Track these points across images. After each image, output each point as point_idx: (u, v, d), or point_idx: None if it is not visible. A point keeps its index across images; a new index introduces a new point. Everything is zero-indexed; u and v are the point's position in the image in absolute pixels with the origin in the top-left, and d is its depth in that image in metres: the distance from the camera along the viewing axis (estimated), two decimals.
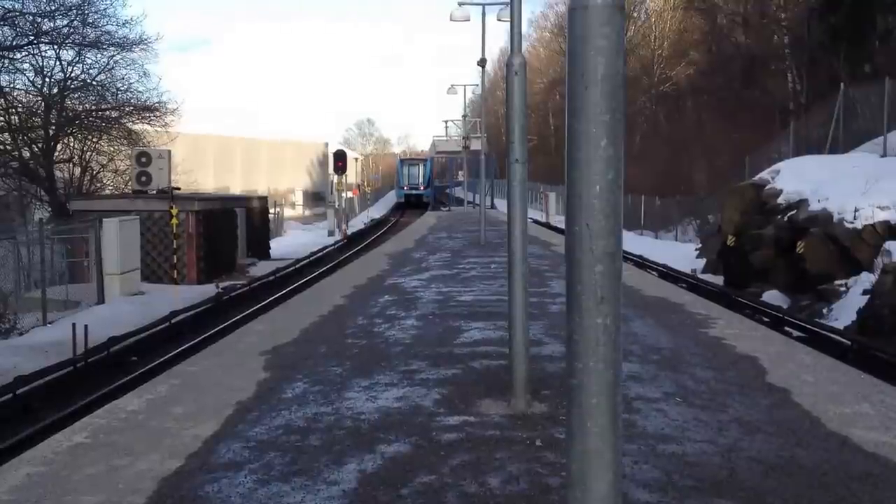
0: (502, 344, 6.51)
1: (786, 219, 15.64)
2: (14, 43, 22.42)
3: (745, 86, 33.50)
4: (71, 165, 24.01)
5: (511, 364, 5.06)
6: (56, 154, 23.39)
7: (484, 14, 26.32)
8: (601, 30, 1.81)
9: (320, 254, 25.84)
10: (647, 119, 47.15)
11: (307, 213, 55.39)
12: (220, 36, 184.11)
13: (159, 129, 25.52)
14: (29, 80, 23.52)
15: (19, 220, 21.52)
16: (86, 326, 10.76)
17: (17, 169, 22.64)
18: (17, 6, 22.25)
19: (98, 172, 24.96)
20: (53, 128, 23.14)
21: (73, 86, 24.15)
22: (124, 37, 24.31)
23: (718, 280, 17.63)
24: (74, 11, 23.06)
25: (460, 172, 51.13)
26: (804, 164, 17.49)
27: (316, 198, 59.61)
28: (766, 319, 11.63)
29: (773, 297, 14.51)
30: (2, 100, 22.42)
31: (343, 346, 7.04)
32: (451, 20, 26.55)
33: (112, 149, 24.81)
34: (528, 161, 5.32)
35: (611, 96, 1.82)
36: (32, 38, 22.66)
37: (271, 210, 32.42)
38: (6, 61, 22.49)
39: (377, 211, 53.16)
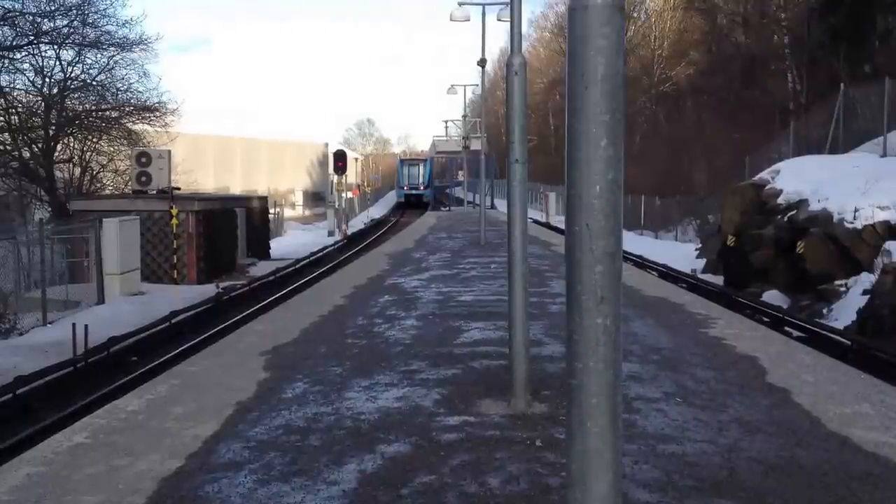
0: (502, 344, 6.51)
1: (786, 219, 15.64)
2: (14, 43, 22.42)
3: (745, 86, 33.51)
4: (71, 165, 24.01)
5: (511, 364, 5.06)
6: (56, 154, 23.39)
7: (484, 14, 26.35)
8: (601, 30, 1.81)
9: (320, 254, 25.84)
10: (647, 119, 47.17)
11: (307, 213, 55.41)
12: (220, 36, 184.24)
13: (159, 129, 25.52)
14: (29, 80, 23.56)
15: (19, 220, 21.53)
16: (86, 326, 10.76)
17: (17, 169, 22.63)
18: (17, 6, 22.29)
19: (98, 172, 24.96)
20: (53, 128, 23.14)
21: (73, 86, 24.16)
22: (124, 37, 24.35)
23: (718, 280, 17.63)
24: (74, 11, 23.08)
25: (460, 172, 51.17)
26: (804, 164, 17.49)
27: (316, 198, 59.64)
28: (766, 319, 11.63)
29: (773, 297, 14.51)
30: (2, 100, 22.42)
31: (343, 346, 7.04)
32: (451, 20, 26.56)
33: (112, 149, 24.81)
34: (528, 161, 5.32)
35: (611, 96, 1.82)
36: (32, 38, 22.66)
37: (271, 210, 32.42)
38: (6, 61, 22.50)
39: (377, 211, 53.17)
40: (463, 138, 43.67)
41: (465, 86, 43.73)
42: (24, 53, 22.87)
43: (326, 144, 66.68)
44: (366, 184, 72.45)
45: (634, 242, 26.35)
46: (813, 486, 3.71)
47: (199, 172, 36.27)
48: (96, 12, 23.59)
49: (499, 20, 25.03)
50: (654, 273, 16.96)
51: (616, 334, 1.86)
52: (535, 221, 30.72)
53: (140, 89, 25.79)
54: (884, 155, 16.27)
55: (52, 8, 22.65)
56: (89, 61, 24.27)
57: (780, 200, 16.40)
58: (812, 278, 13.74)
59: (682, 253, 23.63)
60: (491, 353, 6.58)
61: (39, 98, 23.57)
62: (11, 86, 23.06)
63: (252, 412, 4.98)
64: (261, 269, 22.21)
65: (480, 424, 4.67)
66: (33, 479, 3.93)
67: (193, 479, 3.87)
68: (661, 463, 4.00)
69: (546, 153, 59.27)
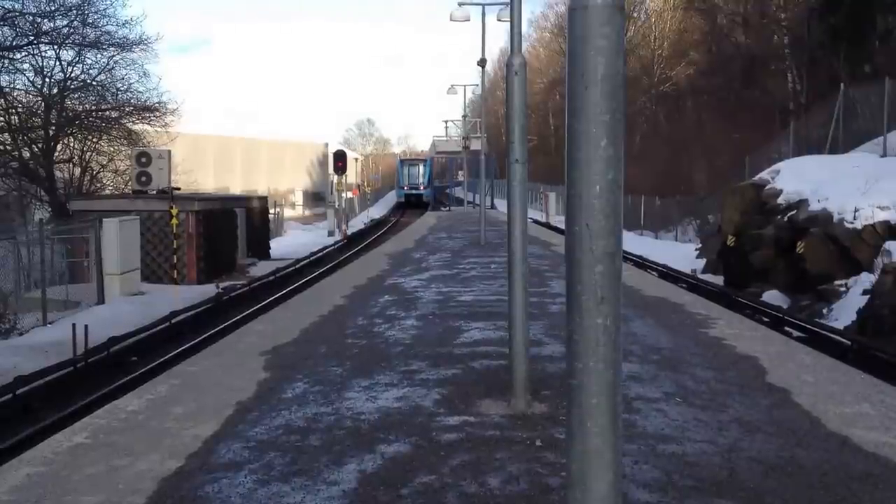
0: (502, 344, 6.51)
1: (786, 219, 15.64)
2: (14, 43, 22.41)
3: (745, 86, 33.51)
4: (71, 165, 24.01)
5: (511, 364, 5.06)
6: (56, 154, 23.38)
7: (484, 14, 26.35)
8: (601, 30, 1.81)
9: (320, 254, 25.84)
10: (647, 119, 47.17)
11: (307, 213, 55.41)
12: (220, 36, 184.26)
13: (159, 129, 25.51)
14: (29, 80, 23.54)
15: (19, 221, 21.52)
16: (86, 326, 10.76)
17: (17, 169, 22.63)
18: (17, 6, 22.27)
19: (98, 172, 24.96)
20: (53, 128, 23.13)
21: (73, 86, 24.15)
22: (124, 37, 24.34)
23: (718, 280, 17.63)
24: (74, 12, 23.07)
25: (460, 172, 51.19)
26: (804, 164, 17.49)
27: (316, 198, 59.66)
28: (766, 319, 11.63)
29: (773, 297, 14.51)
30: (2, 100, 22.41)
31: (343, 346, 7.04)
32: (451, 20, 26.58)
33: (112, 149, 24.81)
34: (528, 161, 5.32)
35: (611, 96, 1.82)
36: (32, 38, 22.65)
37: (271, 210, 32.42)
38: (6, 61, 22.49)
39: (377, 211, 53.17)
40: (463, 138, 43.68)
41: (465, 86, 43.82)
42: (24, 53, 22.88)
43: (326, 144, 66.70)
44: (366, 184, 72.46)
45: (634, 242, 26.35)
46: (813, 486, 3.71)
47: (199, 172, 36.27)
48: (96, 12, 23.62)
49: (499, 20, 25.04)
50: (654, 273, 16.96)
51: (616, 334, 1.86)
52: (535, 221, 30.73)
53: (140, 89, 25.83)
54: (884, 155, 16.27)
55: (52, 8, 22.67)
56: (89, 61, 24.31)
57: (780, 200, 16.40)
58: (812, 278, 13.75)
59: (682, 253, 23.63)
60: (491, 353, 6.58)
61: (39, 98, 23.57)
62: (11, 86, 23.09)
63: (252, 412, 4.98)
64: (261, 269, 22.20)
65: (480, 424, 4.67)
66: (33, 479, 3.93)
67: (193, 480, 3.87)
68: (661, 463, 4.00)
69: (546, 153, 59.27)
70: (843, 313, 11.99)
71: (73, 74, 24.04)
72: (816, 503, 3.54)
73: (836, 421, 4.67)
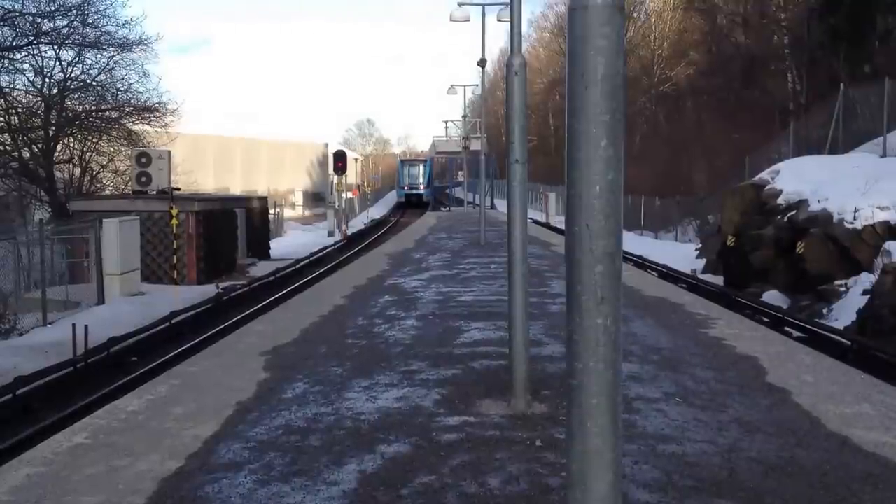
0: (502, 344, 6.51)
1: (786, 219, 15.64)
2: (14, 43, 22.40)
3: (745, 86, 33.52)
4: (71, 166, 24.00)
5: (511, 364, 5.06)
6: (56, 154, 23.37)
7: (484, 14, 26.35)
8: (601, 30, 1.81)
9: (320, 254, 25.84)
10: (647, 119, 47.17)
11: (307, 213, 55.44)
12: (220, 36, 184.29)
13: (159, 129, 25.52)
14: (29, 80, 23.54)
15: (19, 221, 21.52)
16: (86, 327, 10.76)
17: (17, 169, 22.62)
18: (17, 6, 22.26)
19: (98, 173, 24.96)
20: (53, 128, 23.12)
21: (72, 86, 24.15)
22: (124, 37, 24.32)
23: (718, 280, 17.62)
24: (74, 12, 23.06)
25: (460, 173, 51.20)
26: (804, 165, 17.49)
27: (316, 198, 59.67)
28: (765, 320, 11.63)
29: (773, 297, 14.51)
30: (2, 100, 22.41)
31: (343, 346, 7.04)
32: (451, 20, 26.58)
33: (112, 149, 24.81)
34: (528, 161, 5.32)
35: (611, 96, 1.82)
36: (32, 38, 22.65)
37: (271, 210, 32.43)
38: (6, 61, 22.49)
39: (377, 211, 53.18)
40: (463, 138, 43.69)
41: (465, 86, 43.85)
42: (24, 54, 22.87)
43: (326, 145, 66.72)
44: (366, 184, 72.46)
45: (634, 243, 26.35)
46: (813, 486, 3.71)
47: (199, 173, 36.30)
48: (96, 13, 23.60)
49: (499, 20, 25.04)
50: (654, 273, 16.97)
51: (616, 334, 1.86)
52: (535, 222, 30.72)
53: (140, 90, 25.83)
54: (884, 155, 16.27)
55: (52, 8, 22.66)
56: (89, 62, 24.30)
57: (780, 201, 16.40)
58: (812, 278, 13.74)
59: (682, 253, 23.63)
60: (491, 353, 6.58)
61: (39, 98, 23.56)
62: (11, 86, 23.08)
63: (252, 412, 4.98)
64: (261, 269, 22.20)
65: (480, 425, 4.67)
66: (33, 479, 3.93)
67: (193, 480, 3.87)
68: (661, 463, 4.00)
69: (546, 153, 59.29)
70: (843, 313, 11.99)
71: (73, 74, 24.07)
72: (816, 503, 3.54)
73: (836, 421, 4.67)
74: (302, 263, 22.67)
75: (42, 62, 23.43)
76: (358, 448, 4.29)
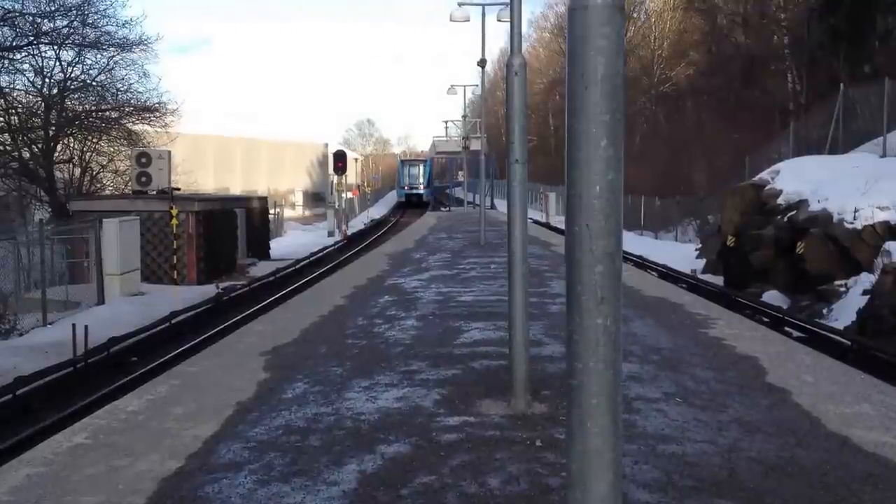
0: (502, 344, 6.51)
1: (786, 219, 15.64)
2: (14, 43, 22.40)
3: (745, 86, 33.52)
4: (71, 166, 24.00)
5: (511, 364, 5.06)
6: (56, 154, 23.37)
7: (484, 14, 26.35)
8: (601, 30, 1.81)
9: (320, 254, 25.84)
10: (647, 119, 47.17)
11: (307, 213, 55.45)
12: (220, 36, 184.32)
13: (159, 129, 25.52)
14: (29, 80, 23.53)
15: (19, 221, 21.52)
16: (86, 327, 10.76)
17: (17, 169, 22.62)
18: (17, 7, 22.26)
19: (98, 173, 24.96)
20: (53, 128, 23.12)
21: (72, 86, 24.14)
22: (124, 37, 24.32)
23: (718, 280, 17.62)
24: (74, 12, 23.05)
25: (460, 173, 51.21)
26: (804, 165, 17.49)
27: (316, 198, 59.69)
28: (765, 320, 11.62)
29: (773, 297, 14.51)
30: (2, 100, 22.40)
31: (343, 346, 7.04)
32: (451, 20, 26.58)
33: (112, 149, 24.81)
34: (528, 161, 5.32)
35: (611, 96, 1.82)
36: (32, 38, 22.64)
37: (271, 210, 32.43)
38: (6, 62, 22.48)
39: (377, 211, 53.19)
40: (463, 138, 43.68)
41: (465, 86, 43.83)
42: (23, 54, 22.87)
43: (326, 145, 66.73)
44: (366, 184, 72.49)
45: (634, 243, 26.35)
46: (813, 486, 3.71)
47: (199, 173, 36.30)
48: (96, 13, 23.60)
49: (499, 20, 25.02)
50: (654, 273, 16.97)
51: (616, 334, 1.86)
52: (535, 222, 30.72)
53: (140, 90, 25.82)
54: (884, 155, 16.27)
55: (52, 8, 22.66)
56: (89, 62, 24.29)
57: (780, 201, 16.40)
58: (812, 278, 13.74)
59: (682, 253, 23.63)
60: (491, 353, 6.58)
61: (39, 98, 23.56)
62: (11, 86, 23.08)
63: (252, 412, 4.98)
64: (261, 269, 22.20)
65: (480, 425, 4.67)
66: (33, 479, 3.93)
67: (193, 480, 3.87)
68: (661, 463, 4.00)
69: (546, 153, 59.29)
70: (843, 313, 11.99)
71: (72, 75, 24.06)
72: (816, 503, 3.54)
73: (836, 421, 4.67)
74: (302, 263, 22.67)
75: (42, 62, 23.46)
76: (358, 448, 4.29)
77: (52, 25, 22.86)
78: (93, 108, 24.78)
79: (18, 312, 13.54)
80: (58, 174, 23.47)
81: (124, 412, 5.09)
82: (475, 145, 38.79)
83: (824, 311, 12.70)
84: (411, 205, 54.86)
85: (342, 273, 14.94)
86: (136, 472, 3.98)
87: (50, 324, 13.35)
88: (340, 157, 35.50)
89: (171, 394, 5.52)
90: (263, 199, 29.14)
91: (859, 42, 24.60)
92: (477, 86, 41.15)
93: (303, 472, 3.94)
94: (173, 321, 12.97)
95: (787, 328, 11.14)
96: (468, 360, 6.36)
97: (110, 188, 25.31)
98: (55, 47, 23.20)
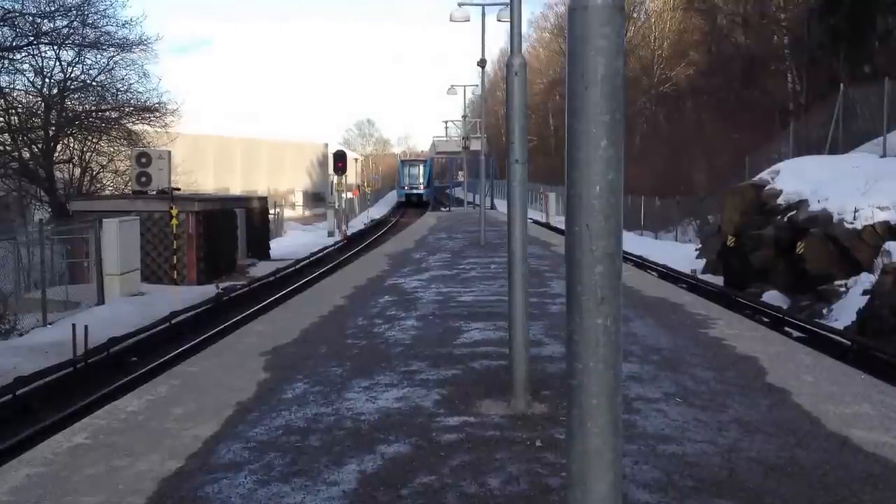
0: (502, 344, 6.51)
1: (786, 219, 15.64)
2: (14, 43, 22.40)
3: (745, 86, 33.52)
4: (71, 166, 24.00)
5: (511, 364, 5.06)
6: (56, 155, 23.37)
7: (484, 15, 26.35)
8: (601, 30, 1.81)
9: (320, 254, 25.84)
10: (647, 119, 47.18)
11: (307, 213, 55.46)
12: (220, 36, 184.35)
13: (159, 129, 25.52)
14: (29, 80, 23.54)
15: (19, 221, 21.52)
16: (86, 327, 10.76)
17: (16, 169, 22.62)
18: (16, 7, 22.26)
19: (98, 173, 24.96)
20: (53, 128, 23.12)
21: (72, 86, 24.14)
22: (124, 37, 24.32)
23: (718, 280, 17.62)
24: (74, 12, 23.05)
25: (460, 173, 51.22)
26: (804, 165, 17.49)
27: (316, 198, 59.70)
28: (765, 320, 11.62)
29: (773, 297, 14.51)
30: (1, 100, 22.40)
31: (343, 346, 7.04)
32: (451, 20, 26.58)
33: (112, 149, 24.81)
34: (528, 161, 5.32)
35: (611, 97, 1.82)
36: (32, 38, 22.64)
37: (271, 210, 32.43)
38: (6, 62, 22.48)
39: (377, 211, 53.20)
40: (463, 139, 43.69)
41: (465, 86, 43.84)
42: (23, 54, 22.87)
43: (326, 145, 66.74)
44: (366, 184, 72.49)
45: (634, 243, 26.35)
46: (813, 486, 3.71)
47: (199, 173, 36.30)
48: (96, 13, 23.60)
49: (499, 21, 25.01)
50: (654, 273, 16.97)
51: (616, 335, 1.86)
52: (535, 222, 30.72)
53: (140, 90, 25.83)
54: (884, 155, 16.27)
55: (52, 8, 22.65)
56: (89, 62, 24.29)
57: (780, 201, 16.40)
58: (812, 278, 13.74)
59: (682, 253, 23.63)
60: (491, 353, 6.58)
61: (39, 98, 23.56)
62: (11, 86, 23.08)
63: (252, 413, 4.98)
64: (261, 269, 22.20)
65: (480, 425, 4.67)
66: (33, 479, 3.93)
67: (193, 480, 3.87)
68: (662, 463, 4.00)
69: (546, 153, 59.31)
70: (843, 313, 11.99)
71: (72, 75, 24.07)
72: (816, 503, 3.54)
73: (835, 421, 4.67)
74: (302, 263, 22.67)
75: (42, 62, 23.46)
76: (358, 448, 4.29)
77: (52, 25, 22.89)
78: (93, 108, 24.78)
79: (18, 312, 13.54)
80: (58, 174, 23.48)
81: (124, 412, 5.09)
82: (475, 145, 38.80)
83: (824, 311, 12.70)
84: (411, 205, 54.95)
85: (342, 273, 14.94)
86: (136, 473, 3.98)
87: (50, 324, 13.35)
88: (340, 158, 35.50)
89: (171, 394, 5.52)
90: (263, 200, 29.14)
91: (859, 42, 24.60)
92: (477, 86, 41.18)
93: (303, 473, 3.94)
94: (173, 321, 12.97)
95: (787, 328, 11.14)
96: (468, 360, 6.36)
97: (110, 188, 25.31)
98: (55, 47, 23.23)
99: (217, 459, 4.15)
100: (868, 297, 11.62)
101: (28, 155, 22.99)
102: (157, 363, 10.55)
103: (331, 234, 35.24)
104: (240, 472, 3.95)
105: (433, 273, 12.95)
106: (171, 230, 19.07)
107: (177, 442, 4.44)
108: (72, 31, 23.18)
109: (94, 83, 24.39)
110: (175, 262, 19.14)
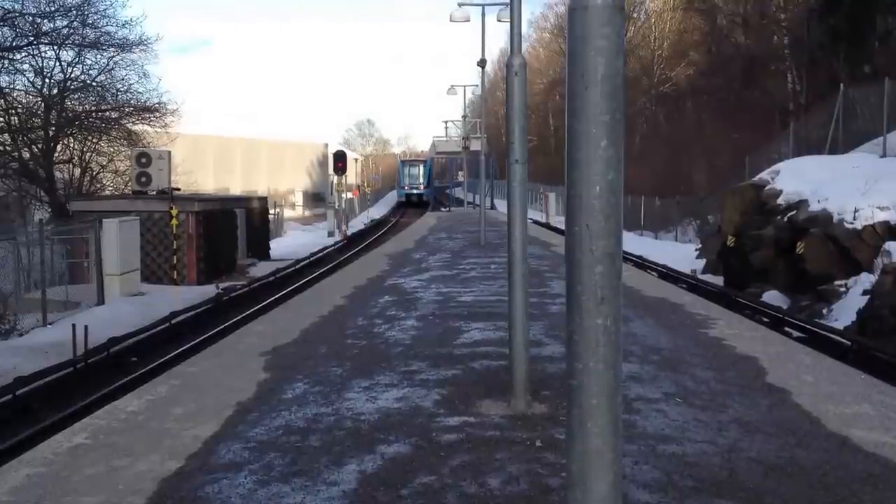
0: (502, 344, 6.51)
1: (786, 219, 15.64)
2: (14, 43, 22.39)
3: (745, 86, 33.52)
4: (71, 166, 24.00)
5: (511, 364, 5.06)
6: (56, 155, 23.37)
7: (484, 15, 26.34)
8: (601, 30, 1.81)
9: (320, 254, 25.85)
10: (647, 120, 47.18)
11: (307, 213, 55.46)
12: (220, 36, 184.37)
13: (159, 129, 25.52)
14: (29, 80, 23.53)
15: (19, 221, 21.52)
16: (86, 327, 10.76)
17: (16, 170, 22.62)
18: (16, 7, 22.25)
19: (98, 173, 24.96)
20: (53, 128, 23.12)
21: (72, 86, 24.14)
22: (124, 38, 24.32)
23: (718, 280, 17.62)
24: (74, 12, 23.05)
25: (460, 173, 51.21)
26: (804, 165, 17.49)
27: (316, 198, 59.71)
28: (765, 320, 11.62)
29: (773, 297, 14.51)
30: (1, 100, 22.40)
31: (343, 346, 7.04)
32: (451, 20, 26.58)
33: (112, 149, 24.81)
34: (528, 162, 5.32)
35: (611, 97, 1.82)
36: (32, 38, 22.64)
37: (271, 211, 32.44)
38: (6, 62, 22.48)
39: (377, 211, 53.20)
40: (463, 139, 43.68)
41: (465, 86, 43.82)
42: (23, 54, 22.86)
43: (326, 145, 66.75)
44: (366, 184, 72.49)
45: (634, 243, 26.35)
46: (813, 486, 3.71)
47: (199, 173, 36.30)
48: (96, 13, 23.59)
49: (499, 21, 25.01)
50: (654, 273, 16.97)
51: (616, 335, 1.86)
52: (535, 222, 30.71)
53: (140, 90, 25.81)
54: (883, 155, 16.27)
55: (52, 9, 22.65)
56: (89, 62, 24.29)
57: (780, 201, 16.40)
58: (812, 278, 13.74)
59: (682, 253, 23.63)
60: (491, 353, 6.58)
61: (39, 99, 23.56)
62: (11, 86, 23.08)
63: (252, 413, 4.98)
64: (261, 269, 22.20)
65: (480, 425, 4.67)
66: (33, 479, 3.93)
67: (193, 480, 3.87)
68: (662, 463, 4.00)
69: (546, 153, 59.31)
70: (843, 313, 11.99)
71: (72, 75, 24.06)
72: (816, 503, 3.54)
73: (835, 421, 4.67)
74: (302, 264, 22.67)
75: (42, 62, 23.46)
76: (358, 448, 4.29)
77: (52, 26, 22.88)
78: (93, 108, 24.78)
79: (18, 312, 13.54)
80: (58, 174, 23.47)
81: (124, 412, 5.09)
82: (475, 145, 38.79)
83: (824, 311, 12.70)
84: (411, 205, 55.00)
85: (342, 273, 14.94)
86: (136, 473, 3.98)
87: (50, 324, 13.35)
88: (340, 158, 35.50)
89: (170, 394, 5.52)
90: (263, 200, 29.15)
91: (859, 42, 24.60)
92: (477, 86, 41.18)
93: (303, 473, 3.94)
94: (173, 321, 12.97)
95: (787, 328, 11.14)
96: (468, 360, 6.36)
97: (110, 188, 25.31)
98: (55, 47, 23.23)
99: (217, 459, 4.15)
100: (868, 297, 11.62)
101: (28, 155, 22.99)
102: (157, 363, 10.55)
103: (331, 234, 35.24)
104: (240, 473, 3.95)
105: (433, 273, 12.95)
106: (171, 230, 19.07)
107: (177, 442, 4.44)
108: (72, 31, 23.20)
109: (94, 83, 24.39)
110: (175, 262, 19.14)
